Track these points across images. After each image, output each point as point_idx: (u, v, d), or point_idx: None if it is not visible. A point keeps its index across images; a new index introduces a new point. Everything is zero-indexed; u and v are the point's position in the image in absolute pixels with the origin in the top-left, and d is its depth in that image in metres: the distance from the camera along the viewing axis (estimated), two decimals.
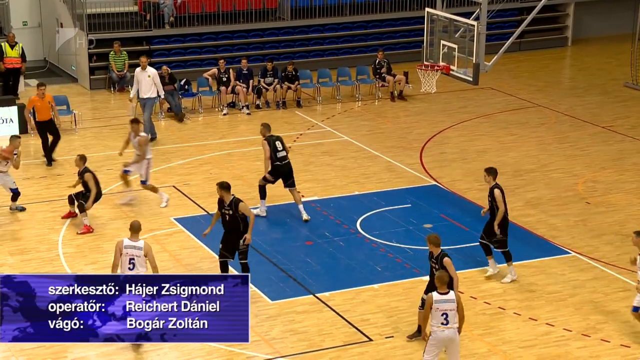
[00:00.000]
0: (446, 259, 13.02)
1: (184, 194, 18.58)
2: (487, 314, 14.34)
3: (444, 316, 11.90)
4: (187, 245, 16.44)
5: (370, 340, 13.60)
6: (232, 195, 14.45)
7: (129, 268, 13.11)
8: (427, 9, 19.72)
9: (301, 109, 24.02)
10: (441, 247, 13.21)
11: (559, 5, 29.92)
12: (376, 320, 14.13)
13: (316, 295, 14.73)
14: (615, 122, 23.05)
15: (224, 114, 23.46)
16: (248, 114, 23.51)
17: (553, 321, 14.15)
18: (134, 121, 18.04)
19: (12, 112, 21.77)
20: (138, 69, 21.28)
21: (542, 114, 23.73)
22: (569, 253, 16.33)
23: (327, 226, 17.19)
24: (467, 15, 19.66)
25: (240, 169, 19.91)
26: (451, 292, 11.98)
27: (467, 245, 16.42)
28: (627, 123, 23.02)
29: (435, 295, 11.93)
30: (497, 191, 14.99)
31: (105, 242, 16.44)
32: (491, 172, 15.10)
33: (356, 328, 13.92)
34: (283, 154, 17.20)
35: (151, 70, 21.20)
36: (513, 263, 15.43)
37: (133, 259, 13.10)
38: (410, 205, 18.08)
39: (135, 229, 13.31)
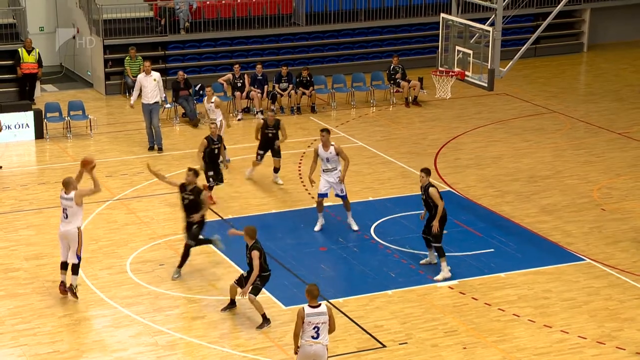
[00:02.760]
0: (254, 252, 13.70)
1: None
2: (502, 320, 14.29)
3: (315, 329, 11.55)
4: (200, 251, 16.46)
5: (384, 346, 13.56)
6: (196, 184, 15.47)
7: (64, 217, 14.38)
8: (442, 15, 19.68)
9: (316, 114, 24.01)
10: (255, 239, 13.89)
11: (575, 11, 29.84)
12: (390, 326, 14.10)
13: (330, 301, 14.71)
14: (632, 129, 22.95)
15: (239, 119, 23.49)
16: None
17: (568, 328, 14.08)
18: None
19: (28, 117, 21.88)
20: (142, 75, 21.26)
21: (557, 120, 23.65)
22: (584, 260, 16.26)
23: (341, 232, 17.17)
24: (482, 21, 19.61)
25: (254, 174, 19.91)
26: (322, 305, 11.65)
27: (482, 251, 16.38)
28: None
29: (307, 308, 11.57)
30: (432, 189, 15.27)
31: (120, 248, 16.48)
32: (426, 172, 15.44)
33: (370, 334, 13.89)
34: None
35: (156, 74, 21.19)
36: (530, 269, 15.58)
37: (66, 209, 14.34)
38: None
39: (65, 184, 14.39)
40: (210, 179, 18.08)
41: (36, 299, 14.75)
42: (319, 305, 11.59)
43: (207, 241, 15.71)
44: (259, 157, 19.26)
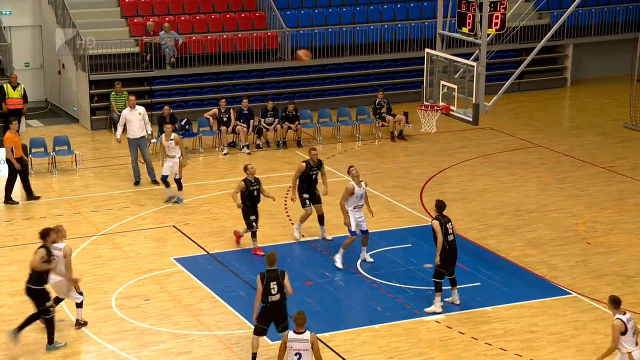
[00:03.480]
0: (257, 276, 13.43)
1: (184, 233, 18.58)
2: (489, 355, 14.25)
3: (298, 356, 11.88)
4: (186, 286, 16.40)
5: None
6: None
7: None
8: (427, 50, 19.84)
9: (301, 148, 24.06)
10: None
11: (558, 46, 30.12)
12: None
13: (316, 335, 14.62)
14: (615, 163, 23.09)
15: (225, 154, 23.51)
16: (248, 153, 23.57)
17: None
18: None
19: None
20: (126, 110, 21.28)
21: (542, 154, 23.78)
22: (570, 294, 16.28)
23: (327, 266, 17.14)
24: (467, 56, 19.78)
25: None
26: (307, 332, 11.96)
27: (468, 285, 16.36)
28: (627, 164, 23.06)
29: (290, 334, 12.00)
30: (434, 222, 15.28)
31: (105, 283, 16.39)
32: (437, 204, 15.40)
33: None
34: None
35: (140, 108, 21.26)
36: (516, 303, 15.57)
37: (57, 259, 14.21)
38: (410, 245, 18.05)
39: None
40: (253, 224, 17.40)
41: (21, 335, 14.60)
42: (304, 332, 11.93)
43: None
44: (307, 202, 17.82)
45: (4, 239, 18.34)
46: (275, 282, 13.32)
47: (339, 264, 16.95)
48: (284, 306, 13.52)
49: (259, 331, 13.63)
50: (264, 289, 13.30)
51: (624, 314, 12.43)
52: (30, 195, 20.24)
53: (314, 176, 17.86)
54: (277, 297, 13.37)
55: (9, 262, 17.33)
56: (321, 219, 18.07)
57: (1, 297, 15.95)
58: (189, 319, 15.22)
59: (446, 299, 15.67)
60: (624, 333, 12.31)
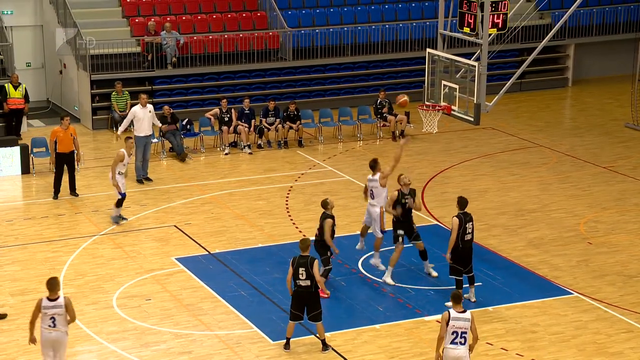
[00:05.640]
0: (315, 262, 13.79)
1: (185, 233, 18.58)
2: (490, 354, 14.25)
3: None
4: (188, 285, 16.40)
5: None
6: None
7: (50, 324, 12.66)
8: (428, 50, 19.84)
9: (303, 148, 24.07)
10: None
11: (560, 46, 30.10)
12: None
13: (317, 335, 14.64)
14: (616, 163, 23.08)
15: (226, 154, 23.52)
16: (250, 153, 23.57)
17: None
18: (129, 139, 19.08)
19: (14, 152, 21.82)
20: (137, 107, 21.35)
21: (543, 154, 23.77)
22: (571, 293, 16.27)
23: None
24: (468, 56, 19.78)
25: (241, 208, 19.92)
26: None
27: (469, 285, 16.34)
28: (629, 163, 23.05)
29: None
30: (454, 219, 15.35)
31: (106, 283, 16.40)
32: (459, 201, 15.49)
33: None
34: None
35: (150, 107, 21.44)
36: (518, 303, 15.64)
37: (54, 317, 12.64)
38: (411, 245, 18.02)
39: (51, 286, 12.70)
40: (329, 260, 15.95)
41: (21, 335, 14.62)
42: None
43: None
44: (400, 238, 16.25)
45: (5, 239, 18.34)
46: (303, 269, 13.72)
47: (386, 276, 16.43)
48: (316, 294, 13.86)
49: (294, 317, 14.05)
50: (293, 273, 13.76)
51: (464, 312, 12.31)
52: (57, 192, 20.34)
53: (406, 204, 16.14)
54: (306, 283, 13.76)
55: (10, 262, 17.33)
56: (424, 254, 16.69)
57: (2, 297, 15.95)
58: (190, 319, 15.22)
59: (464, 295, 15.72)
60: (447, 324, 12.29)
